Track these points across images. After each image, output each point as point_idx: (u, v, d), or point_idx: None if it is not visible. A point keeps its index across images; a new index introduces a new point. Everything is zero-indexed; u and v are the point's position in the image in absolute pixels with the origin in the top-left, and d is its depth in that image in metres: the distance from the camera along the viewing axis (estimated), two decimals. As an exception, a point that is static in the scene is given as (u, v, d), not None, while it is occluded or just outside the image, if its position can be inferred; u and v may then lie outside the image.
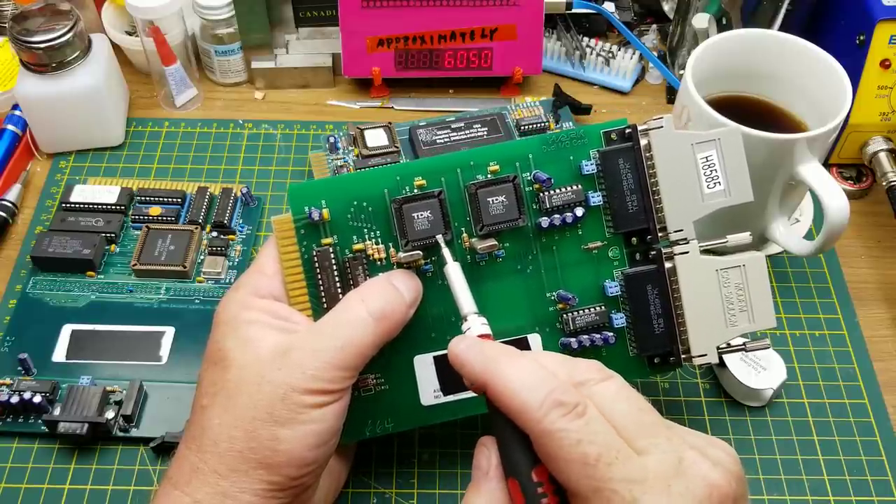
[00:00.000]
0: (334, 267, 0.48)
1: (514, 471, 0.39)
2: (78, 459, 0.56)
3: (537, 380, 0.38)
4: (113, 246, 0.65)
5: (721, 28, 0.75)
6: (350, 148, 0.67)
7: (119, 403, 0.56)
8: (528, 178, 0.49)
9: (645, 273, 0.50)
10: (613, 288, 0.51)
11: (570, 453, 0.36)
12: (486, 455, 0.41)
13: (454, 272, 0.46)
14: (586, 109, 0.75)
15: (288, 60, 0.79)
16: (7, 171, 0.71)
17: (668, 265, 0.50)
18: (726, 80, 0.64)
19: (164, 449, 0.56)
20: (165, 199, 0.68)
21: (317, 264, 0.48)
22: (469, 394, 0.51)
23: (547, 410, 0.37)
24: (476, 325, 0.43)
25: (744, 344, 0.53)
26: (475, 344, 0.42)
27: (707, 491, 0.37)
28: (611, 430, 0.37)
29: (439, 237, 0.48)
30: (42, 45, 0.67)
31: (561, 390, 0.38)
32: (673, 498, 0.36)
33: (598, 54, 0.80)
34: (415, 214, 0.48)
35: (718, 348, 0.51)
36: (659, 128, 0.49)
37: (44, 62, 0.68)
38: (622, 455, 0.36)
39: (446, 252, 0.47)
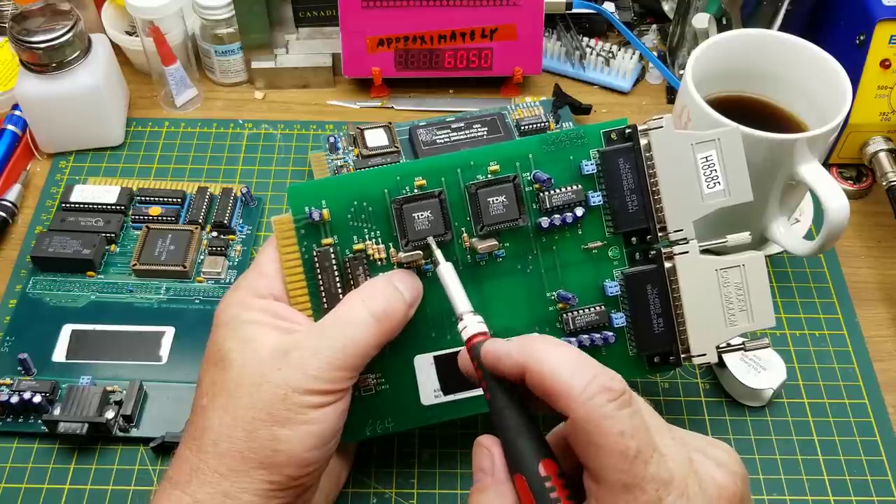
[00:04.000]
0: (335, 267, 0.48)
1: (521, 467, 0.38)
2: (78, 459, 0.56)
3: (580, 362, 0.38)
4: (113, 246, 0.65)
5: (721, 28, 0.75)
6: (350, 148, 0.67)
7: (119, 403, 0.56)
8: (529, 177, 0.49)
9: (645, 273, 0.50)
10: (613, 288, 0.51)
11: (612, 443, 0.35)
12: (488, 455, 0.40)
13: (447, 272, 0.46)
14: (586, 109, 0.75)
15: (288, 60, 0.79)
16: (7, 171, 0.71)
17: (667, 265, 0.50)
18: (726, 80, 0.64)
19: (164, 449, 0.56)
20: (165, 199, 0.68)
21: (317, 264, 0.48)
22: (469, 393, 0.51)
23: (592, 393, 0.36)
24: (472, 323, 0.43)
25: (743, 343, 0.53)
26: (508, 340, 0.41)
27: (717, 492, 0.37)
28: (648, 428, 0.36)
29: (430, 239, 0.48)
30: (42, 45, 0.67)
31: (607, 376, 0.37)
32: (690, 499, 0.36)
33: (598, 54, 0.80)
34: (415, 214, 0.48)
35: (718, 348, 0.51)
36: (659, 128, 0.49)
37: (44, 62, 0.68)
38: (657, 455, 0.36)
39: (438, 253, 0.47)
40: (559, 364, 0.37)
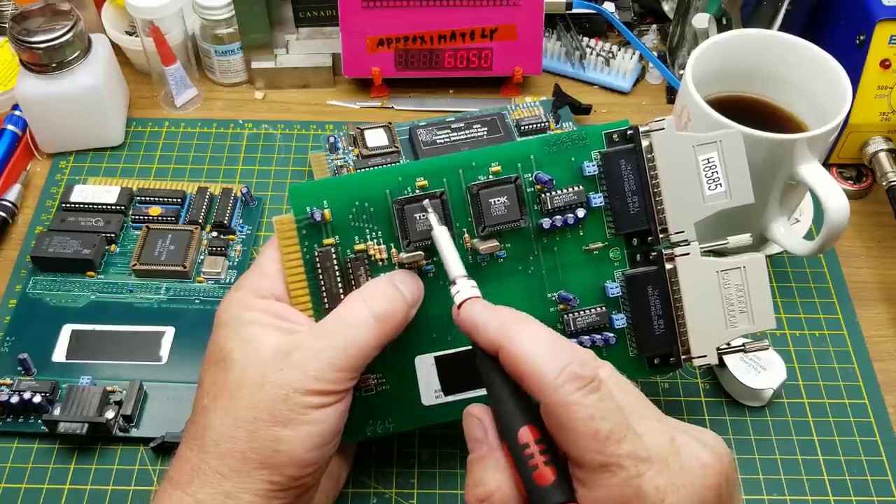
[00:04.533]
0: (336, 267, 0.48)
1: (503, 434, 0.39)
2: (78, 459, 0.56)
3: (554, 349, 0.38)
4: (113, 246, 0.65)
5: (721, 28, 0.75)
6: (350, 148, 0.67)
7: (119, 403, 0.56)
8: (530, 178, 0.49)
9: (646, 274, 0.50)
10: (614, 289, 0.51)
11: (582, 427, 0.36)
12: (479, 424, 0.41)
13: (441, 236, 0.46)
14: (586, 109, 0.75)
15: (288, 60, 0.79)
16: (7, 171, 0.71)
17: (668, 266, 0.50)
18: (726, 80, 0.64)
19: (164, 449, 0.56)
20: (165, 199, 0.68)
21: (318, 264, 0.48)
22: (470, 394, 0.51)
23: (563, 381, 0.37)
24: (466, 287, 0.43)
25: (743, 345, 0.53)
26: (489, 307, 0.41)
27: (701, 471, 0.38)
28: (620, 409, 0.37)
29: (426, 202, 0.48)
30: (42, 45, 0.66)
31: (578, 363, 0.38)
32: (671, 475, 0.37)
33: (598, 54, 0.80)
34: (417, 215, 0.48)
35: (718, 349, 0.51)
36: (660, 129, 0.49)
37: (44, 62, 0.68)
38: (630, 433, 0.37)
39: (433, 217, 0.47)
40: (533, 350, 0.38)
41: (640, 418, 0.38)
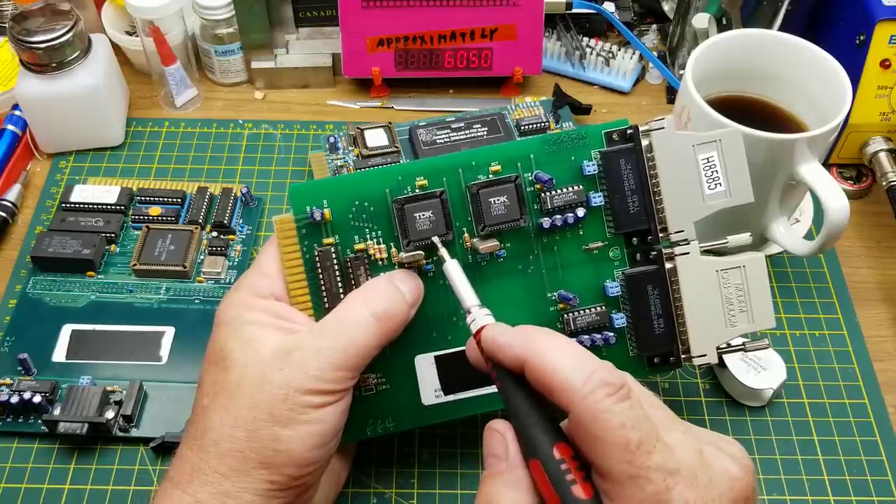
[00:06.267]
0: (336, 267, 0.48)
1: (536, 451, 0.38)
2: (78, 459, 0.56)
3: (580, 358, 0.38)
4: (113, 246, 0.65)
5: (721, 28, 0.75)
6: (350, 148, 0.67)
7: (119, 403, 0.56)
8: (530, 178, 0.49)
9: (645, 273, 0.50)
10: (614, 288, 0.51)
11: (613, 436, 0.35)
12: (501, 440, 0.40)
13: (453, 269, 0.46)
14: (586, 109, 0.75)
15: (288, 60, 0.79)
16: (7, 171, 0.71)
17: (668, 266, 0.50)
18: (726, 80, 0.64)
19: (164, 449, 0.56)
20: (165, 199, 0.68)
21: (318, 264, 0.48)
22: (470, 393, 0.51)
23: (592, 388, 0.36)
24: (480, 316, 0.43)
25: (743, 344, 0.53)
26: (509, 327, 0.41)
27: (729, 484, 0.37)
28: (650, 418, 0.37)
29: (435, 238, 0.48)
30: (42, 45, 0.66)
31: (606, 370, 0.37)
32: (700, 490, 0.36)
33: (598, 54, 0.80)
34: (416, 214, 0.48)
35: (718, 348, 0.51)
36: (660, 129, 0.49)
37: (44, 62, 0.68)
38: (660, 444, 0.36)
39: (443, 251, 0.47)
40: (559, 360, 0.38)
41: (667, 430, 0.38)
